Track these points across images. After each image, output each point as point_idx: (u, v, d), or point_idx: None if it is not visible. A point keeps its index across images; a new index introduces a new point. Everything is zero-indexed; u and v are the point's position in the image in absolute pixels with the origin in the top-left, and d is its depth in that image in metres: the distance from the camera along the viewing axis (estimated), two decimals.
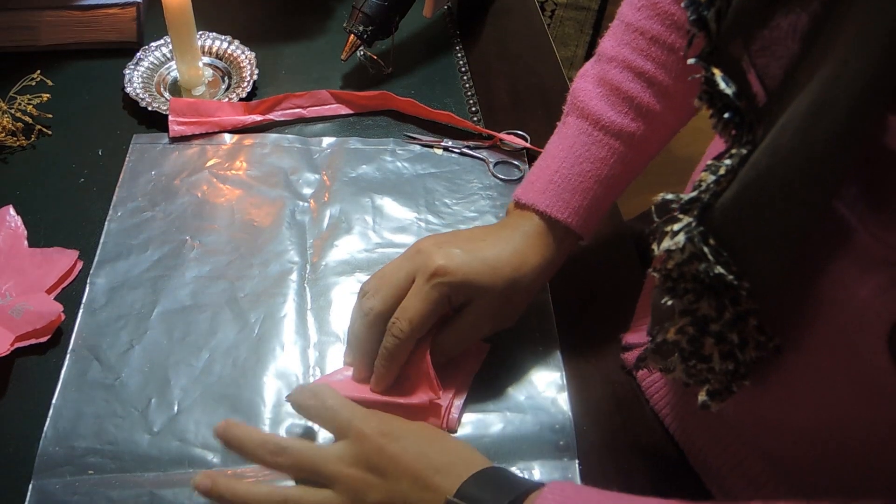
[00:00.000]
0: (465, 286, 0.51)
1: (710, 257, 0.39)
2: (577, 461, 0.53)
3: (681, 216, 0.41)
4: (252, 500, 0.45)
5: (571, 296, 0.63)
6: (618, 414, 0.57)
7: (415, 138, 0.74)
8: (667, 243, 0.41)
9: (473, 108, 0.78)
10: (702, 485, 0.53)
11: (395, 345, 0.51)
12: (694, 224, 0.40)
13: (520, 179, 0.71)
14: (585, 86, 0.58)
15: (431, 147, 0.74)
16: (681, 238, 0.40)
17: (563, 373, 0.58)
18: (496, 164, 0.73)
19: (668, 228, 0.41)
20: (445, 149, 0.74)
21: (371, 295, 0.52)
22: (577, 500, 0.42)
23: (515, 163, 0.73)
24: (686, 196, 0.41)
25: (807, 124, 0.33)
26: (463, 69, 0.83)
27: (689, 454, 0.54)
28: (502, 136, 0.74)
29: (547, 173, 0.57)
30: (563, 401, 0.56)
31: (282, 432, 0.53)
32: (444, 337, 0.53)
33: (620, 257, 0.67)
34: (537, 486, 0.44)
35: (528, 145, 0.74)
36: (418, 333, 0.51)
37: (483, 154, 0.73)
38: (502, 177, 0.72)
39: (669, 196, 0.42)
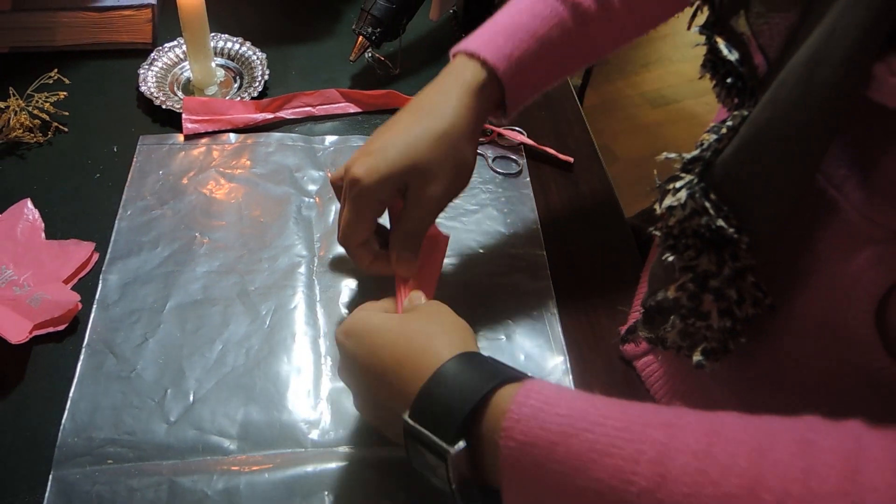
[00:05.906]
0: (383, 184, 0.51)
1: (711, 211, 0.40)
2: None
3: (682, 174, 0.42)
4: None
5: (574, 288, 0.64)
6: None
7: None
8: (669, 200, 0.42)
9: None
10: None
11: (348, 252, 0.56)
12: (696, 181, 0.41)
13: (518, 173, 0.73)
14: None
15: None
16: (682, 194, 0.41)
17: (567, 359, 0.59)
18: (494, 158, 0.74)
19: (670, 186, 0.42)
20: None
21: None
22: (559, 400, 0.37)
23: (513, 157, 0.75)
24: (688, 155, 0.42)
25: (805, 76, 0.35)
26: None
27: None
28: (500, 130, 0.75)
29: (487, 26, 0.58)
30: (568, 385, 0.57)
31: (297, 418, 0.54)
32: (394, 233, 0.54)
33: (621, 253, 0.68)
34: (521, 375, 0.41)
35: (525, 140, 0.75)
36: (355, 238, 0.54)
37: (481, 149, 0.75)
38: (501, 171, 0.73)
39: (672, 155, 0.43)
